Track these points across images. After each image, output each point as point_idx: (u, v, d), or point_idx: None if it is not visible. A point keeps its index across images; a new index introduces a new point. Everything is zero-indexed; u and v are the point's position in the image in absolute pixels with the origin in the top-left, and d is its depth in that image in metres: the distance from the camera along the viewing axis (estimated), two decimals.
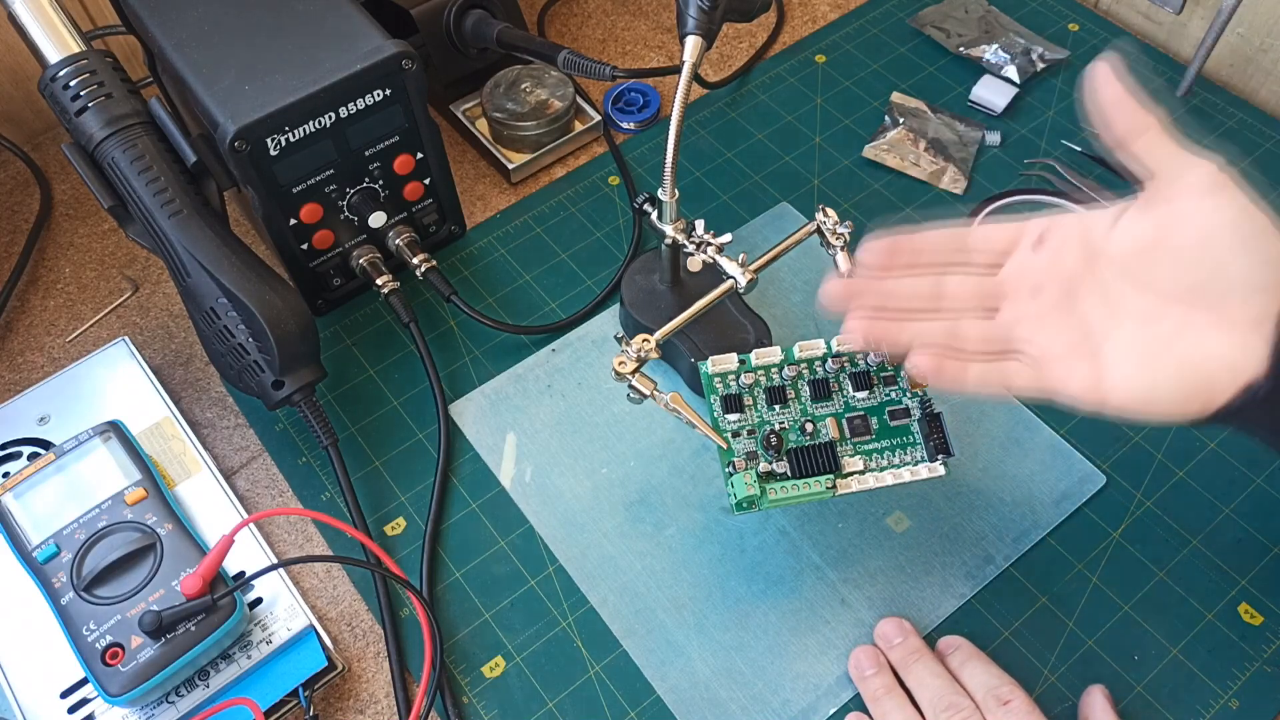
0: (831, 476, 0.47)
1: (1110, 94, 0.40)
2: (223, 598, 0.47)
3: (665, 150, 0.51)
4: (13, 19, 0.54)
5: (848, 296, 0.45)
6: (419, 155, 0.59)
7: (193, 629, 0.46)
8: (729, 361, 0.49)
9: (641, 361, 0.48)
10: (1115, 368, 0.41)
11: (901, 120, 0.70)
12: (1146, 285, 0.41)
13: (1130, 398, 0.41)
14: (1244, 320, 0.39)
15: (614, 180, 0.69)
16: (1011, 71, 0.71)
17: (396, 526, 0.55)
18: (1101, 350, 0.41)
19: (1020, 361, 0.43)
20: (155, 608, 0.46)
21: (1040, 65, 0.72)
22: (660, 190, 0.53)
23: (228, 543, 0.47)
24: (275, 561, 0.51)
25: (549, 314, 0.62)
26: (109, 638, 0.46)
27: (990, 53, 0.72)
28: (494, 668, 0.50)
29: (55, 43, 0.53)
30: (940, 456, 0.48)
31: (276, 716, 0.48)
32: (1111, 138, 0.41)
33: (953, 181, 0.67)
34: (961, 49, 0.73)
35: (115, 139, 0.51)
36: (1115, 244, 0.41)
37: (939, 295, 0.45)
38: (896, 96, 0.72)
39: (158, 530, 0.49)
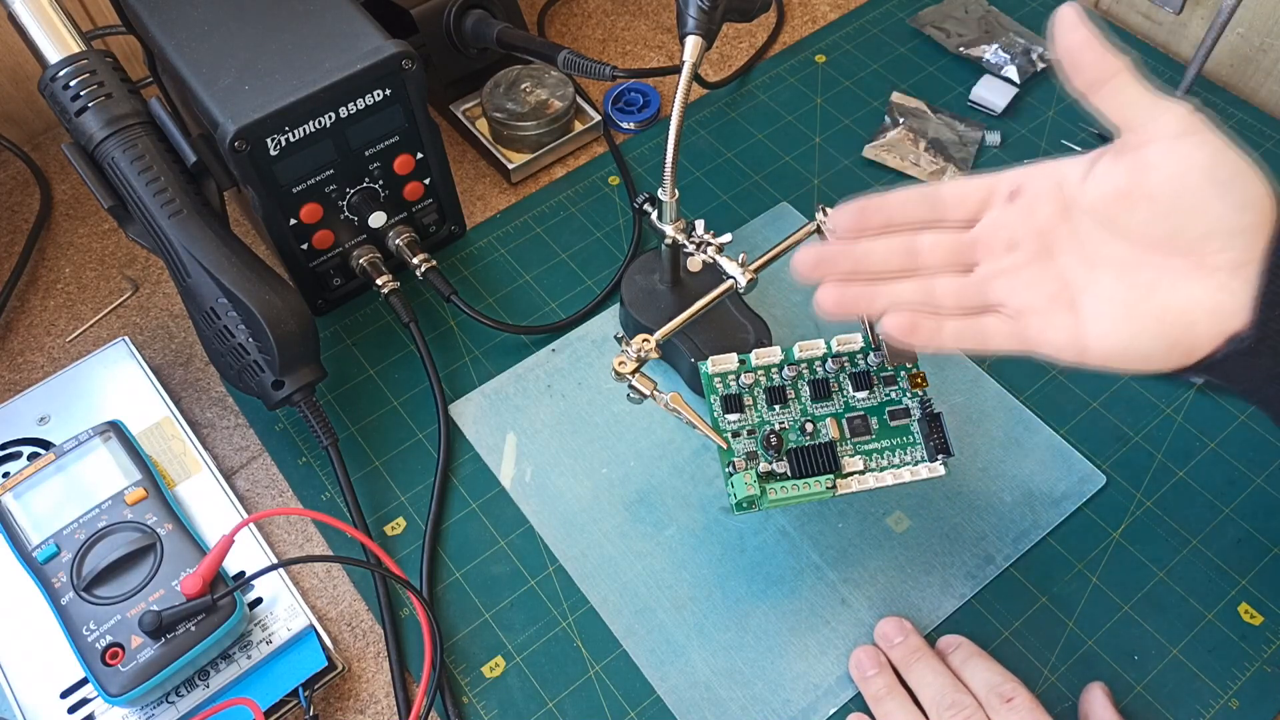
0: (831, 476, 0.47)
1: (1077, 38, 0.39)
2: (223, 598, 0.47)
3: (665, 150, 0.51)
4: (13, 19, 0.54)
5: (819, 264, 0.44)
6: (419, 155, 0.59)
7: (193, 629, 0.46)
8: (729, 361, 0.49)
9: (641, 361, 0.48)
10: (1095, 319, 0.40)
11: (901, 120, 0.70)
12: (1123, 234, 0.40)
13: (1110, 349, 0.40)
14: (1224, 265, 0.38)
15: (614, 180, 0.69)
16: (1011, 71, 0.71)
17: (396, 526, 0.55)
18: (1080, 302, 0.41)
19: (998, 317, 0.42)
20: (155, 608, 0.46)
21: (1040, 65, 0.72)
22: (660, 190, 0.53)
23: (228, 543, 0.47)
24: (275, 561, 0.51)
25: (549, 314, 0.62)
26: (109, 638, 0.46)
27: (990, 53, 0.72)
28: (494, 668, 0.50)
29: (55, 43, 0.53)
30: (940, 456, 0.48)
31: (276, 716, 0.48)
32: (1080, 83, 0.39)
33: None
34: (961, 49, 0.73)
35: (115, 139, 0.51)
36: (1089, 193, 0.40)
37: (913, 256, 0.44)
38: (896, 96, 0.72)
39: (158, 530, 0.49)
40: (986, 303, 0.43)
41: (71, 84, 0.52)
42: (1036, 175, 0.43)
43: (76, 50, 0.53)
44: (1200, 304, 0.38)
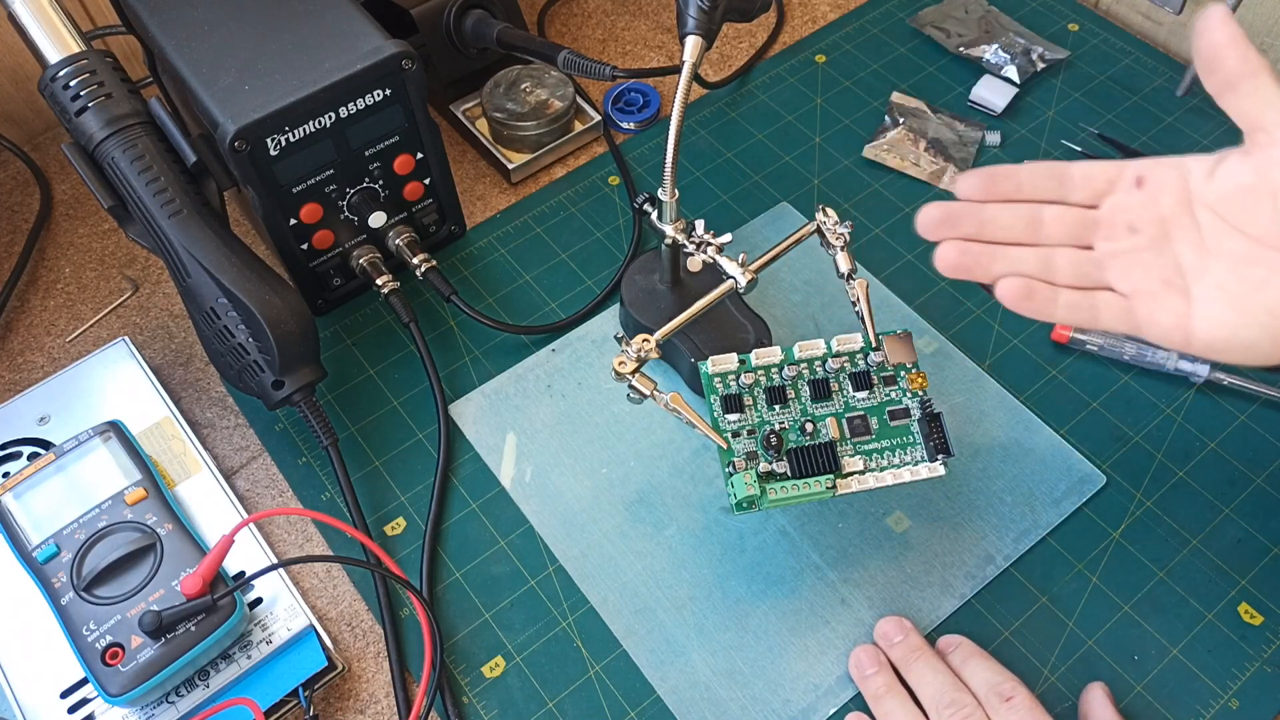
0: (831, 476, 0.47)
1: (1222, 36, 0.40)
2: (223, 598, 0.47)
3: (665, 150, 0.51)
4: (13, 19, 0.54)
5: (944, 222, 0.45)
6: (419, 155, 0.59)
7: (193, 629, 0.46)
8: (729, 361, 0.49)
9: (641, 361, 0.48)
10: (1204, 307, 0.41)
11: (901, 120, 0.70)
12: (1242, 228, 0.41)
13: (1215, 338, 0.41)
14: None
15: (614, 180, 0.69)
16: (1011, 71, 0.71)
17: (396, 526, 0.55)
18: (1191, 290, 0.42)
19: (1111, 295, 0.44)
20: (155, 608, 0.46)
21: (1040, 65, 0.72)
22: (660, 190, 0.53)
23: (228, 543, 0.47)
24: (275, 561, 0.51)
25: (549, 314, 0.62)
26: (109, 638, 0.46)
27: (990, 53, 0.72)
28: (494, 668, 0.50)
29: (55, 43, 0.53)
30: (940, 456, 0.48)
31: (276, 716, 0.48)
32: (1219, 80, 0.41)
33: (953, 182, 0.67)
34: (961, 49, 0.73)
35: (115, 139, 0.51)
36: (1214, 188, 0.42)
37: (1035, 225, 0.45)
38: (896, 96, 0.72)
39: (158, 530, 0.49)
40: (1102, 280, 0.44)
41: (71, 84, 0.52)
42: (1163, 165, 0.44)
43: (76, 50, 0.53)
44: None
